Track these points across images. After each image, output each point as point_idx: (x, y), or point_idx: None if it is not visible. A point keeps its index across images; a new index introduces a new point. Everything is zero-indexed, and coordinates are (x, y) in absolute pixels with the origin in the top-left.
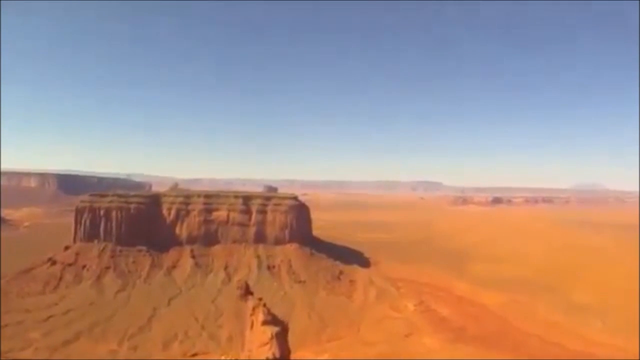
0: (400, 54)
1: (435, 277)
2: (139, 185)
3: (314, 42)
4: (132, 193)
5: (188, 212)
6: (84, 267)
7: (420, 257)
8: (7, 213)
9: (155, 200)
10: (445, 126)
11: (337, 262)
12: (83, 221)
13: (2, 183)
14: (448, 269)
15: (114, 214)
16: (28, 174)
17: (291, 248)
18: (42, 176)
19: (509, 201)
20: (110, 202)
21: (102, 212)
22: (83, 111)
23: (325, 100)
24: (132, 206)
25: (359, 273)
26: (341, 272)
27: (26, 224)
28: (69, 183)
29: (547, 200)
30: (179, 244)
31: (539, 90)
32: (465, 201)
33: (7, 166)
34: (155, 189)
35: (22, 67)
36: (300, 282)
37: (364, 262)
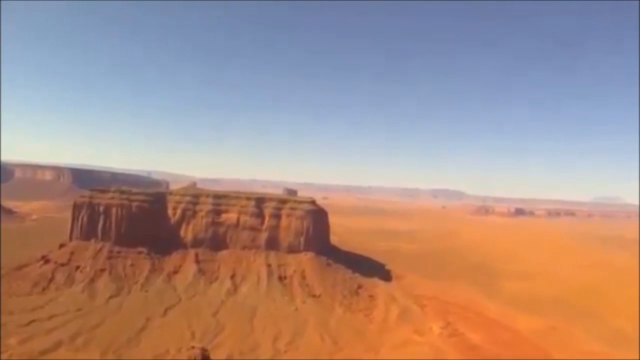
0: (423, 63)
1: (462, 295)
2: (155, 183)
3: (340, 47)
4: (134, 190)
5: (195, 213)
6: (77, 268)
7: (445, 272)
8: (16, 205)
9: (160, 198)
10: (467, 135)
11: (356, 274)
12: (80, 218)
13: (16, 175)
14: (475, 286)
15: (114, 211)
16: (43, 167)
17: (306, 257)
18: (58, 170)
19: (532, 213)
20: (111, 198)
21: (101, 209)
22: (105, 106)
23: (350, 106)
24: (134, 204)
25: (379, 287)
26: (360, 286)
27: (34, 217)
28: (83, 177)
29: (570, 214)
30: (183, 247)
31: (561, 103)
32: (487, 211)
33: (23, 158)
34: (173, 187)
35: (45, 60)
36: (314, 296)
37: (385, 275)
